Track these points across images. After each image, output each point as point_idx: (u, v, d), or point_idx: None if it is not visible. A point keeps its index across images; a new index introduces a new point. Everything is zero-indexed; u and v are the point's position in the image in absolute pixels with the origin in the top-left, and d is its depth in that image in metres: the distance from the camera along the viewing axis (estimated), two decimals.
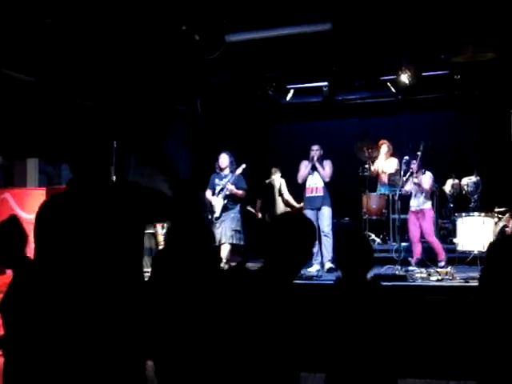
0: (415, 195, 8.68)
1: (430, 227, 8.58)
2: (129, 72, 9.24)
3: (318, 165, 8.84)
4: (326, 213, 8.78)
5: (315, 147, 8.95)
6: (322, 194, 8.81)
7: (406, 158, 9.09)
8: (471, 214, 8.29)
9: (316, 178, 8.88)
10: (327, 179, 8.80)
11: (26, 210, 8.38)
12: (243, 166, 8.78)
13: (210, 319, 2.38)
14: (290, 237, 2.44)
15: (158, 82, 9.96)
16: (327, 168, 8.86)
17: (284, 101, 11.42)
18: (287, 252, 2.42)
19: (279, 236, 2.46)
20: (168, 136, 11.36)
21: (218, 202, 8.72)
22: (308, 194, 8.96)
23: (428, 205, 8.67)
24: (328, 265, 8.55)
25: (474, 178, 9.05)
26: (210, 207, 8.87)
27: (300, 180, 9.03)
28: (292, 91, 11.29)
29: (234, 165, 8.82)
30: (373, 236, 10.43)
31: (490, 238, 7.83)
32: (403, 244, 8.99)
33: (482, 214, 8.11)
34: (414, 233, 8.69)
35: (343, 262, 3.37)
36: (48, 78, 8.62)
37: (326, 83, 10.84)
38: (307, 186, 8.96)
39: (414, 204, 8.70)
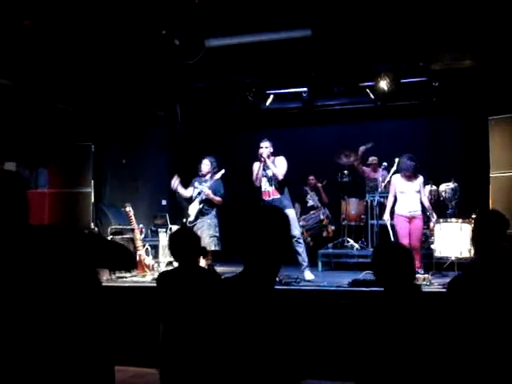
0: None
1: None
2: (108, 76, 9.19)
3: (268, 162, 8.25)
4: (289, 215, 8.17)
5: (264, 143, 8.35)
6: (278, 195, 8.26)
7: (385, 164, 9.14)
8: (449, 221, 8.33)
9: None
10: (280, 177, 8.19)
11: None
12: (222, 171, 8.69)
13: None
14: (261, 227, 2.32)
15: (137, 87, 9.92)
16: (279, 165, 8.28)
17: (264, 106, 11.42)
18: (263, 245, 2.29)
19: (251, 229, 2.34)
20: (146, 141, 11.33)
21: (193, 207, 8.68)
22: (266, 198, 8.35)
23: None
24: (308, 274, 8.24)
25: (451, 185, 9.10)
26: (185, 211, 8.88)
27: (257, 183, 8.44)
28: (272, 97, 11.29)
29: (216, 170, 8.79)
30: (351, 242, 10.45)
31: (468, 244, 7.89)
32: None
33: (460, 221, 8.15)
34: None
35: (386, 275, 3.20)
36: (25, 81, 8.55)
37: (305, 89, 10.86)
38: (263, 189, 8.40)
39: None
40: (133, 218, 8.72)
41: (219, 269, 9.09)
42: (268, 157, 8.28)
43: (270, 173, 8.32)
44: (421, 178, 8.37)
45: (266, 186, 8.36)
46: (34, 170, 9.50)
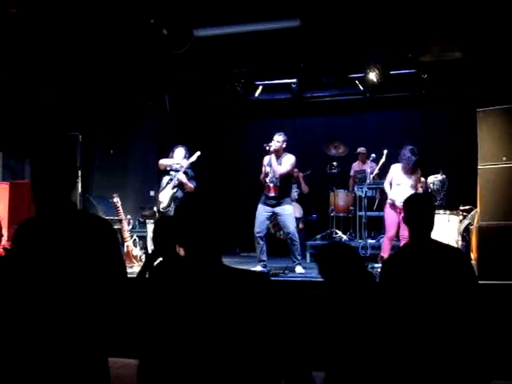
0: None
1: None
2: (96, 65, 9.13)
3: (272, 158, 7.97)
4: (286, 211, 8.04)
5: (277, 137, 8.01)
6: (276, 193, 8.00)
7: (373, 155, 9.14)
8: (436, 212, 8.30)
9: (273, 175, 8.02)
10: (277, 175, 7.91)
11: None
12: (198, 153, 8.47)
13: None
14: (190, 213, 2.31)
15: (126, 76, 9.86)
16: (284, 163, 7.98)
17: (252, 97, 11.39)
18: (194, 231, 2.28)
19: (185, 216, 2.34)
20: (135, 131, 11.27)
21: (166, 193, 8.45)
22: (269, 194, 8.06)
23: None
24: (299, 269, 8.11)
25: (439, 176, 9.09)
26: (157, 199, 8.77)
27: (262, 176, 8.20)
28: (261, 87, 11.27)
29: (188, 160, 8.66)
30: (340, 233, 10.46)
31: (455, 236, 7.91)
32: (369, 241, 9.04)
33: (447, 212, 8.15)
34: None
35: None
36: (13, 70, 8.48)
37: (294, 80, 10.84)
38: (267, 182, 8.06)
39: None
40: (120, 208, 8.68)
41: None
42: (277, 151, 7.99)
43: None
44: (419, 173, 8.27)
45: (268, 180, 8.06)
46: (20, 160, 9.44)
